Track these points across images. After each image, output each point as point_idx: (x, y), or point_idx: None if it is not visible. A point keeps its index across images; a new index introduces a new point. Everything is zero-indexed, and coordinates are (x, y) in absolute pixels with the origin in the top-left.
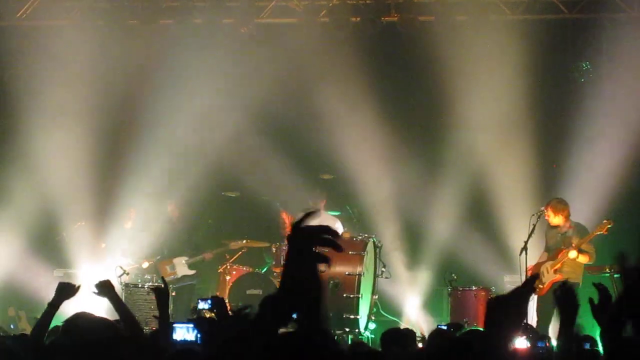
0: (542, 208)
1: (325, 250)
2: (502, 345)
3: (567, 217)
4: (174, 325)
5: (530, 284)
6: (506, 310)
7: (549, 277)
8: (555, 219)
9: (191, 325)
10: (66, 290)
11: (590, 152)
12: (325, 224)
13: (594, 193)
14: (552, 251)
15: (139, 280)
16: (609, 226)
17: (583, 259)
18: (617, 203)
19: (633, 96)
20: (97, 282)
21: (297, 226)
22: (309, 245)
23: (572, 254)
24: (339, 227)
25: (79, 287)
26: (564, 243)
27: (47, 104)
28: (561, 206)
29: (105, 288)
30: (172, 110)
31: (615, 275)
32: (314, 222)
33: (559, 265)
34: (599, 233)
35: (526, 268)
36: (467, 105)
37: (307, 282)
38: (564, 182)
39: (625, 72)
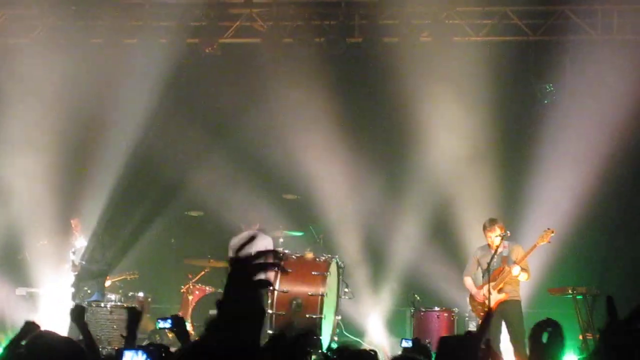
0: (495, 227)
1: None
2: None
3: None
4: (123, 351)
5: (486, 326)
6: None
7: (494, 298)
8: (496, 237)
9: (140, 351)
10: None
11: (553, 173)
12: (260, 246)
13: (557, 214)
14: (489, 272)
15: (102, 299)
16: (552, 234)
17: (524, 277)
18: (579, 224)
19: (595, 117)
20: (73, 306)
21: (235, 260)
22: (249, 275)
23: (516, 270)
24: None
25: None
26: (504, 262)
27: (9, 122)
28: (500, 224)
29: (79, 313)
30: (136, 129)
31: (578, 297)
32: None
33: (502, 284)
34: (542, 243)
35: (472, 295)
36: (431, 126)
37: (250, 310)
38: (527, 202)
39: (588, 94)
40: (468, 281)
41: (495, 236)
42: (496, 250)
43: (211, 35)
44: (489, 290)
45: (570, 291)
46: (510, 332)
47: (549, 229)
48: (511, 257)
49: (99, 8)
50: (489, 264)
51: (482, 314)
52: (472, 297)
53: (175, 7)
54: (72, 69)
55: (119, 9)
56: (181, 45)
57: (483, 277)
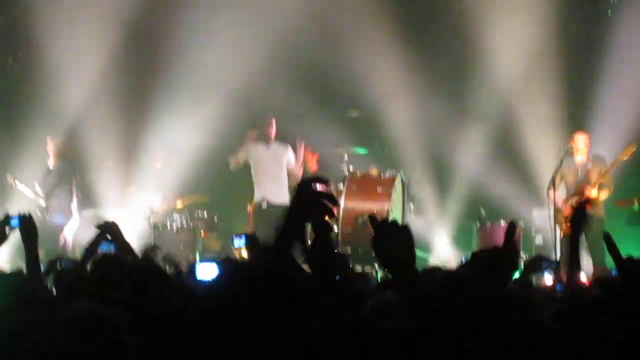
0: (577, 136)
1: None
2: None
3: (589, 150)
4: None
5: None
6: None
7: None
8: (583, 148)
9: (214, 264)
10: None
11: (617, 85)
12: (276, 151)
13: (621, 125)
14: (574, 187)
15: (168, 220)
16: (634, 150)
17: (603, 195)
18: None
19: None
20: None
21: (305, 185)
22: (314, 202)
23: (593, 192)
24: (290, 156)
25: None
26: (589, 175)
27: (69, 42)
28: (586, 137)
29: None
30: (198, 47)
31: None
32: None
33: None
34: (624, 158)
35: (554, 204)
36: (493, 38)
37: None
38: (592, 116)
39: None
40: (552, 194)
41: (579, 148)
42: (560, 164)
43: None
44: (554, 204)
45: (636, 203)
46: (590, 247)
47: (632, 144)
48: (594, 172)
49: None
50: (553, 176)
51: (564, 227)
52: (557, 210)
53: None
54: None
55: None
56: None
57: (567, 191)
